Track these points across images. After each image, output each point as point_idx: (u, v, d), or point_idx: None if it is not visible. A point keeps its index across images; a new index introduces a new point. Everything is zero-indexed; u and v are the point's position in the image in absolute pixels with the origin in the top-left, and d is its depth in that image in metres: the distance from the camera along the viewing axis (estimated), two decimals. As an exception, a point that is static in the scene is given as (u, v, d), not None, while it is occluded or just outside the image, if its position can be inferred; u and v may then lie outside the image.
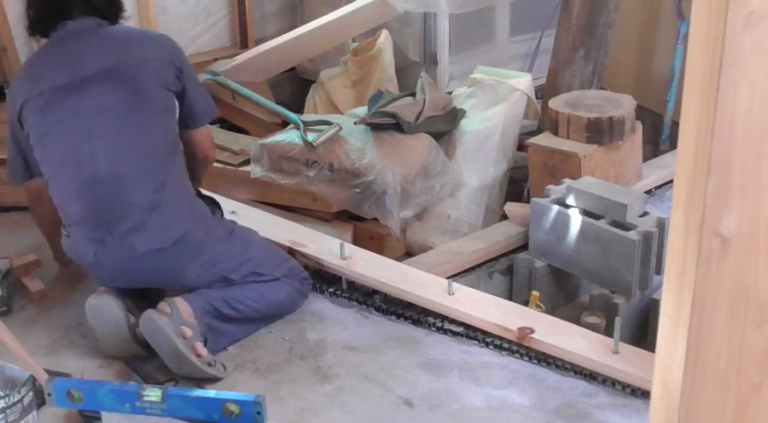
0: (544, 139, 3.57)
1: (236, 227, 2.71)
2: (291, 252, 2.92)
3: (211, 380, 2.43)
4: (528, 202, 3.37)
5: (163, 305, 2.46)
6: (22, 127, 2.60)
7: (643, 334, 3.03)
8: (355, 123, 3.66)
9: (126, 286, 2.60)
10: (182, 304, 2.47)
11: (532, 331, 2.52)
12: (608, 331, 2.74)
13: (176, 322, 2.41)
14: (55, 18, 2.63)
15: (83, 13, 2.63)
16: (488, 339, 2.60)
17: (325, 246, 2.96)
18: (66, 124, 2.53)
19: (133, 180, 2.50)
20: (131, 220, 2.49)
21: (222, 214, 2.77)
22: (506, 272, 3.34)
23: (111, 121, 2.52)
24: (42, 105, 2.54)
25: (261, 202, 3.52)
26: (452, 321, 2.68)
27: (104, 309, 2.50)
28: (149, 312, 2.42)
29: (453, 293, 2.71)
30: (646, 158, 3.83)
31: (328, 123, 3.65)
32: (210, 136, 2.84)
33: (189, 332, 2.42)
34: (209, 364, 2.42)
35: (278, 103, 4.13)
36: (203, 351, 2.42)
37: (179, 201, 2.55)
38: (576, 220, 3.06)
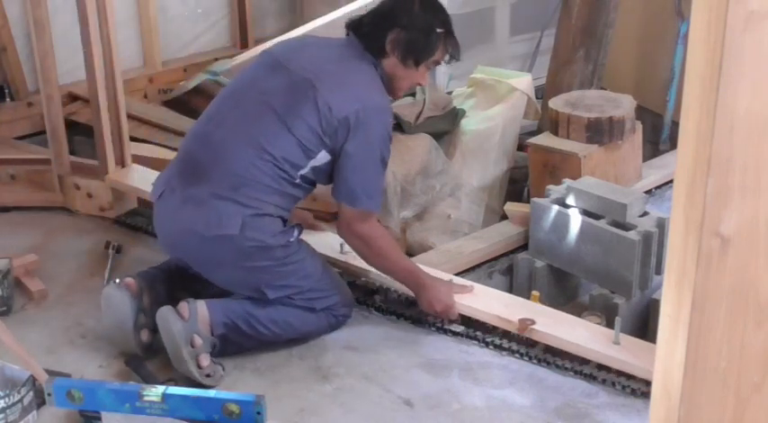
0: (544, 139, 3.57)
1: (299, 253, 2.58)
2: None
3: (206, 386, 2.42)
4: (528, 202, 3.37)
5: (183, 306, 2.45)
6: None
7: (643, 334, 3.02)
8: (355, 123, 3.65)
9: (167, 247, 2.65)
10: (202, 312, 2.46)
11: (533, 322, 2.51)
12: (608, 331, 2.74)
13: (190, 329, 2.41)
14: (361, 24, 2.65)
15: (357, 37, 2.63)
16: (488, 339, 2.60)
17: (325, 241, 2.95)
18: (242, 85, 2.68)
19: (226, 164, 2.51)
20: (200, 191, 2.50)
21: (296, 235, 2.59)
22: (506, 272, 3.34)
23: (260, 109, 2.55)
24: (257, 62, 2.72)
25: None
26: (452, 321, 2.68)
27: (116, 302, 2.50)
28: (167, 311, 2.42)
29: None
30: (646, 158, 3.83)
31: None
32: (345, 216, 2.58)
33: (199, 341, 2.42)
34: (208, 376, 2.42)
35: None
36: (205, 362, 2.43)
37: (243, 209, 2.47)
38: (575, 220, 3.06)
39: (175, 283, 2.64)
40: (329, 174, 2.59)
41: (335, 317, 2.66)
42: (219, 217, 2.47)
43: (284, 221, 2.57)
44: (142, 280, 2.57)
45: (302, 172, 2.54)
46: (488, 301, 2.65)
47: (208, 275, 2.59)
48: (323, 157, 2.54)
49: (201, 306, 2.46)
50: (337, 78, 2.57)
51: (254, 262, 2.50)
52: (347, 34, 2.68)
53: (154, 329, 2.49)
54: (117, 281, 2.57)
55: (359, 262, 2.82)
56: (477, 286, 2.77)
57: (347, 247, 2.88)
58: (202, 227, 2.47)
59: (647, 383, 2.28)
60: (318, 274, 2.63)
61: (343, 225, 2.61)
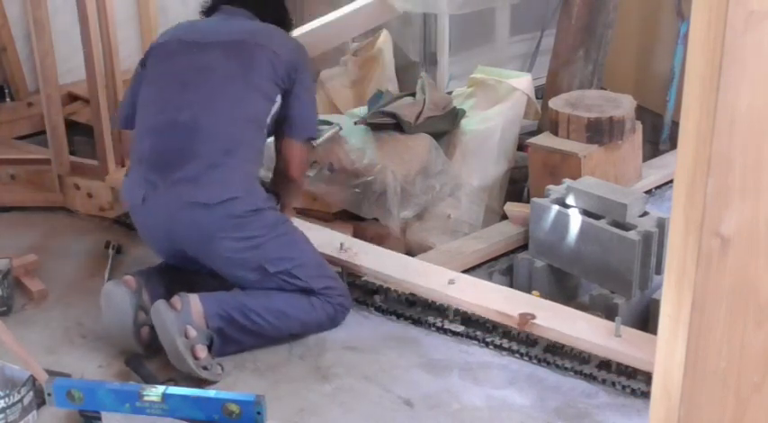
0: (544, 139, 3.57)
1: (289, 223, 2.71)
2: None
3: (205, 381, 2.42)
4: (528, 202, 3.37)
5: (175, 299, 2.45)
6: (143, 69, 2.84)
7: (643, 334, 3.03)
8: (355, 123, 3.66)
9: (163, 246, 2.66)
10: (195, 304, 2.46)
11: (533, 317, 2.51)
12: (608, 331, 2.74)
13: (183, 320, 2.41)
14: (221, 3, 2.91)
15: (243, 5, 2.89)
16: (488, 339, 2.60)
17: (325, 239, 2.94)
18: (172, 71, 2.74)
19: (207, 135, 2.58)
20: (189, 170, 2.54)
21: (277, 202, 2.78)
22: (506, 272, 3.34)
23: (211, 81, 2.68)
24: (164, 53, 2.80)
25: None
26: (452, 321, 2.68)
27: (116, 300, 2.50)
28: (160, 304, 2.43)
29: (454, 282, 2.70)
30: (646, 158, 3.83)
31: (328, 123, 3.64)
32: (300, 154, 2.83)
33: (193, 332, 2.42)
34: (205, 368, 2.42)
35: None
36: (202, 354, 2.42)
37: (239, 171, 2.59)
38: (575, 220, 3.06)
39: (174, 280, 2.65)
40: (276, 118, 2.76)
41: (332, 305, 2.64)
42: (222, 183, 2.54)
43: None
44: (141, 277, 2.57)
45: (268, 119, 2.71)
46: (488, 296, 2.65)
47: (209, 260, 2.59)
48: (278, 100, 2.73)
49: (194, 298, 2.47)
50: (264, 32, 2.81)
51: (252, 231, 2.54)
52: (213, 5, 2.93)
53: (153, 327, 2.49)
54: (123, 278, 2.58)
55: (360, 259, 2.83)
56: (478, 281, 2.78)
57: (347, 246, 2.89)
58: (206, 197, 2.52)
59: (648, 383, 2.28)
60: (312, 249, 2.71)
61: (295, 160, 2.82)
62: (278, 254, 2.58)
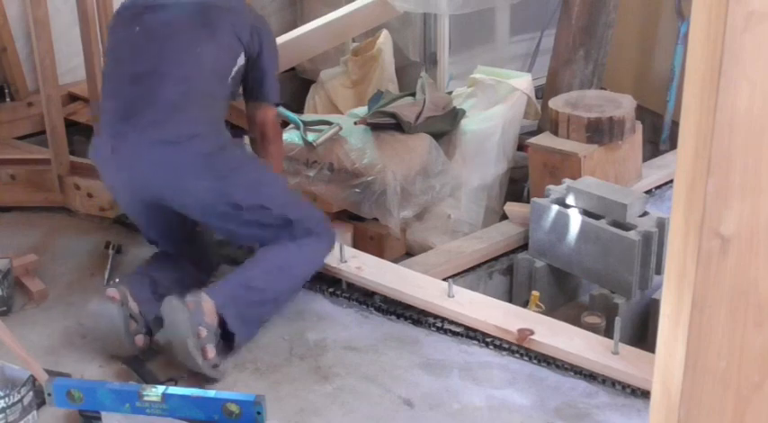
0: (544, 139, 3.57)
1: (257, 160, 2.84)
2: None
3: (211, 379, 2.44)
4: (528, 202, 3.37)
5: (189, 299, 2.45)
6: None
7: (643, 334, 3.03)
8: (355, 123, 3.66)
9: (135, 199, 2.71)
10: (206, 303, 2.46)
11: (532, 333, 2.52)
12: (608, 331, 2.74)
13: (196, 321, 2.41)
14: None
15: None
16: (488, 339, 2.60)
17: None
18: (135, 31, 2.79)
19: (169, 80, 2.67)
20: (155, 113, 2.63)
21: (247, 142, 2.93)
22: (506, 272, 3.34)
23: (174, 32, 2.75)
24: (128, 17, 2.84)
25: (261, 202, 3.52)
26: (452, 321, 2.68)
27: (104, 318, 2.50)
28: (172, 299, 2.43)
29: (453, 296, 2.71)
30: (646, 158, 3.83)
31: (328, 123, 3.65)
32: (271, 116, 2.98)
33: (204, 332, 2.42)
34: (214, 367, 2.43)
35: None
36: (211, 353, 2.43)
37: (203, 112, 2.69)
38: (575, 220, 3.06)
39: (157, 281, 2.68)
40: (239, 80, 2.87)
41: (316, 234, 2.76)
42: (186, 121, 2.63)
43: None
44: (124, 285, 2.58)
45: (231, 74, 2.79)
46: (486, 311, 2.65)
47: (182, 205, 2.66)
48: (241, 61, 2.82)
49: (205, 298, 2.46)
50: None
51: (221, 166, 2.63)
52: None
53: (147, 332, 2.53)
54: (113, 282, 2.58)
55: (360, 272, 2.84)
56: (476, 295, 2.79)
57: (347, 256, 2.89)
58: (173, 135, 2.60)
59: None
60: (283, 182, 2.86)
61: (270, 122, 2.96)
62: (248, 188, 2.67)
